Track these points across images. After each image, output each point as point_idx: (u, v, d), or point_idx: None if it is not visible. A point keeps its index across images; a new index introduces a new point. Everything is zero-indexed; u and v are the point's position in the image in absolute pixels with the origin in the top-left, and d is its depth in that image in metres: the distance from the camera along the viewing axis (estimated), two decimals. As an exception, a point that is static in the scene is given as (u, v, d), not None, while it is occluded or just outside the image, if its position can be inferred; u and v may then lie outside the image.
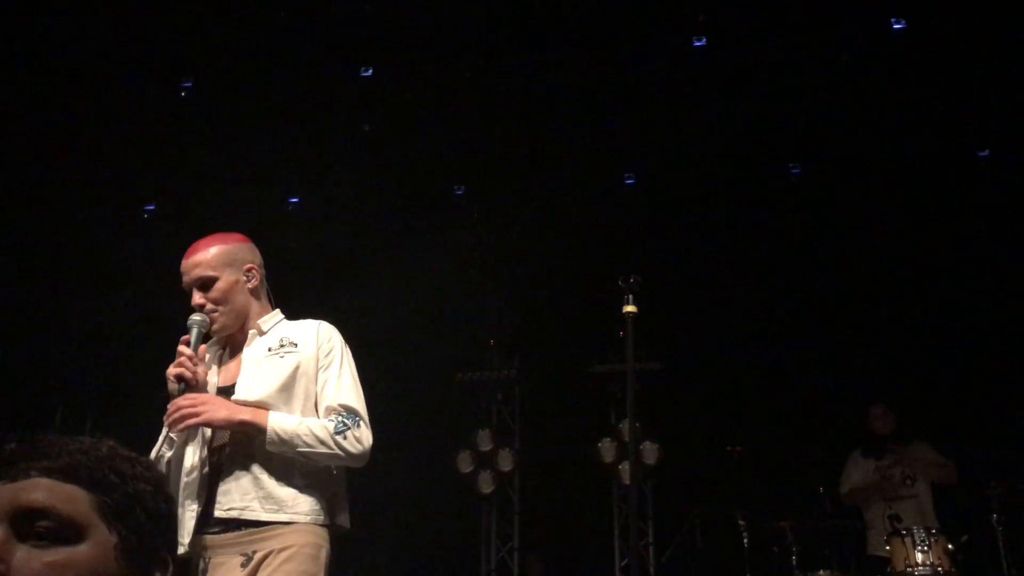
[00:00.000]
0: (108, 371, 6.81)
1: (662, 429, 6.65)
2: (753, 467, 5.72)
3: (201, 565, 2.21)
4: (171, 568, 1.08)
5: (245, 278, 2.49)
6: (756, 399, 6.45)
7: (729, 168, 6.26)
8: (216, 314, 2.43)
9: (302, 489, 2.28)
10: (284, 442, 2.25)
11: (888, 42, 5.43)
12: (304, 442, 2.25)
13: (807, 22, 5.45)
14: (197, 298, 2.43)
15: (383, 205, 6.74)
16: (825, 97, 5.76)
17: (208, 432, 2.35)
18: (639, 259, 6.20)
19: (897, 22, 5.34)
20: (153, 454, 2.34)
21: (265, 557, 2.19)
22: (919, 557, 4.43)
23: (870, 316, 6.56)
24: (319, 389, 2.39)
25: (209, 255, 2.45)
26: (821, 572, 4.90)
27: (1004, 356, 6.05)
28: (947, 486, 5.28)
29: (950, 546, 4.49)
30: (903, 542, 4.52)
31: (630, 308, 2.83)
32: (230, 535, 2.23)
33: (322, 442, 2.27)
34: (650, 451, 6.65)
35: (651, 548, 6.73)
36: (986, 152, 6.02)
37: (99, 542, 0.98)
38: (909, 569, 4.44)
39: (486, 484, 7.05)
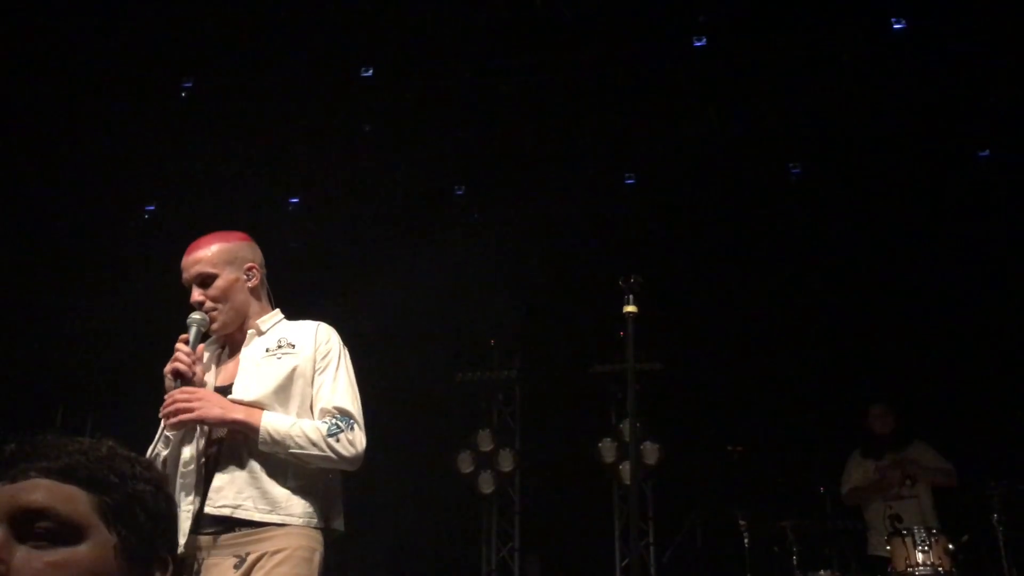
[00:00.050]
0: (108, 371, 6.81)
1: (662, 429, 6.65)
2: (753, 467, 5.72)
3: (195, 566, 2.20)
4: (171, 568, 1.08)
5: (245, 277, 2.49)
6: (756, 399, 6.45)
7: (729, 168, 6.26)
8: (216, 312, 2.42)
9: (296, 491, 2.27)
10: (276, 443, 2.24)
11: (888, 42, 5.43)
12: (296, 443, 2.24)
13: (807, 22, 5.44)
14: (196, 295, 2.42)
15: (383, 205, 6.74)
16: (825, 97, 5.76)
17: (204, 429, 2.34)
18: (639, 259, 6.20)
19: (897, 22, 5.34)
20: (149, 453, 2.34)
21: (258, 559, 2.18)
22: (920, 557, 4.43)
23: (870, 316, 6.56)
24: (315, 391, 2.37)
25: (210, 252, 2.44)
26: (822, 572, 4.90)
27: (1004, 356, 6.05)
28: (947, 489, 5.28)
29: (951, 546, 4.49)
30: (904, 542, 4.53)
31: (630, 308, 2.83)
32: (224, 536, 2.22)
33: (314, 444, 2.25)
34: (650, 451, 6.65)
35: (651, 548, 6.73)
36: (986, 152, 6.01)
37: (99, 542, 0.98)
38: (910, 569, 4.44)
39: (487, 484, 7.05)
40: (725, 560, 5.52)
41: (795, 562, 4.95)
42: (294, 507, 2.25)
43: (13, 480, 0.99)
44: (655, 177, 6.46)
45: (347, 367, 2.44)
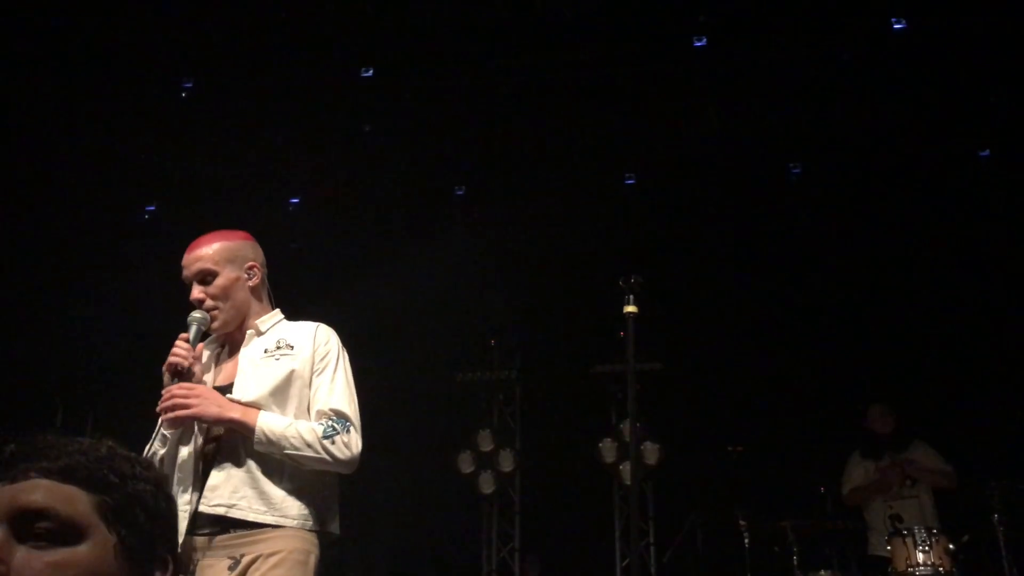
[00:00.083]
0: (108, 371, 6.80)
1: (663, 429, 6.66)
2: (754, 467, 5.72)
3: (190, 567, 2.19)
4: (171, 568, 1.08)
5: (246, 275, 2.48)
6: (756, 399, 6.45)
7: (729, 168, 6.26)
8: (216, 311, 2.42)
9: (292, 492, 2.26)
10: (272, 443, 2.23)
11: (888, 42, 5.42)
12: (291, 444, 2.23)
13: (807, 22, 5.44)
14: (196, 292, 2.42)
15: (383, 205, 6.75)
16: (825, 97, 5.76)
17: (202, 427, 2.33)
18: (639, 259, 6.20)
19: (897, 22, 5.34)
20: (146, 451, 2.34)
21: (253, 561, 2.17)
22: (920, 557, 4.43)
23: (870, 316, 6.56)
24: (312, 392, 2.36)
25: (211, 250, 2.44)
26: (822, 572, 4.90)
27: (1004, 356, 6.05)
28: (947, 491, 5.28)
29: (951, 546, 4.49)
30: (904, 542, 4.52)
31: (631, 308, 2.82)
32: (218, 537, 2.21)
33: (309, 445, 2.24)
34: (651, 451, 6.65)
35: (652, 548, 6.73)
36: (987, 152, 6.01)
37: (99, 542, 0.98)
38: (910, 569, 4.44)
39: (487, 484, 7.05)
40: (725, 560, 5.52)
41: (795, 562, 4.94)
42: (289, 508, 2.24)
43: (13, 480, 0.99)
44: (655, 177, 6.46)
45: (345, 369, 2.42)
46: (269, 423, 2.25)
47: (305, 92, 5.96)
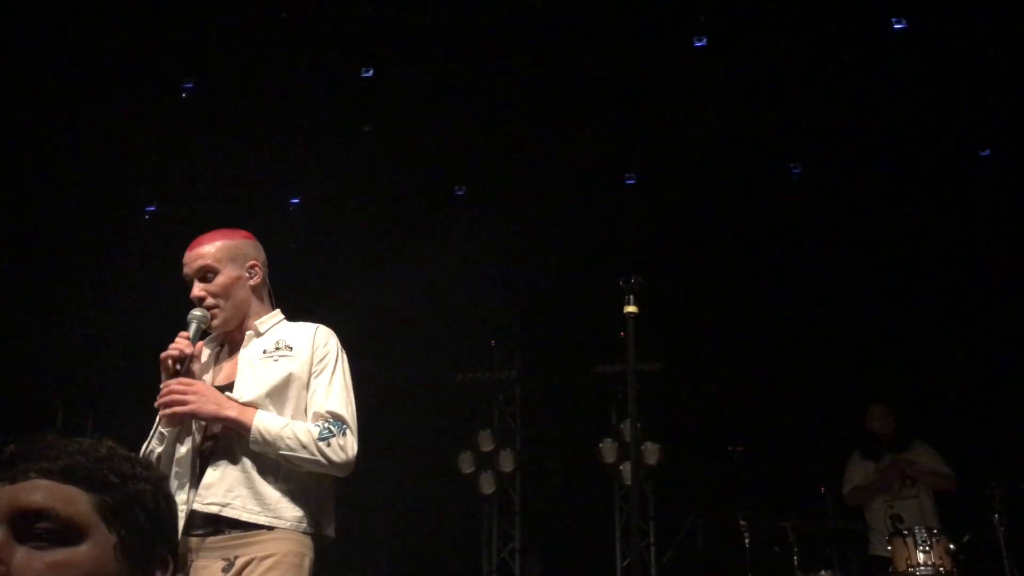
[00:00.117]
0: (108, 371, 6.80)
1: (663, 429, 6.65)
2: (754, 467, 5.72)
3: (184, 567, 2.19)
4: (171, 567, 1.08)
5: (248, 274, 2.47)
6: (756, 399, 6.44)
7: (729, 168, 6.26)
8: (216, 309, 2.41)
9: (287, 493, 2.25)
10: (267, 443, 2.22)
11: (888, 42, 5.43)
12: (287, 445, 2.22)
13: (807, 22, 5.44)
14: (196, 290, 2.41)
15: (383, 205, 6.74)
16: (825, 97, 5.76)
17: (200, 425, 2.33)
18: (639, 259, 6.20)
19: (897, 22, 5.34)
20: (144, 449, 2.32)
21: (247, 564, 2.16)
22: (921, 557, 4.43)
23: (870, 316, 6.56)
24: (309, 394, 2.35)
25: (213, 248, 2.43)
26: (823, 572, 4.89)
27: (1004, 356, 6.05)
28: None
29: (952, 546, 4.49)
30: (905, 542, 4.52)
31: (631, 308, 2.82)
32: (213, 539, 2.20)
33: (304, 446, 2.23)
34: (651, 451, 6.65)
35: (652, 548, 6.73)
36: (987, 152, 6.01)
37: (99, 542, 0.98)
38: (911, 569, 4.44)
39: (487, 485, 7.04)
40: (726, 560, 5.52)
41: (796, 562, 4.94)
42: (284, 510, 2.23)
43: (13, 481, 0.99)
44: (655, 177, 6.46)
45: (343, 371, 2.41)
46: (265, 423, 2.24)
47: (305, 92, 5.96)
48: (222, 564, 2.16)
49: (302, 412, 2.34)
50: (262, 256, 2.55)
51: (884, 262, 6.43)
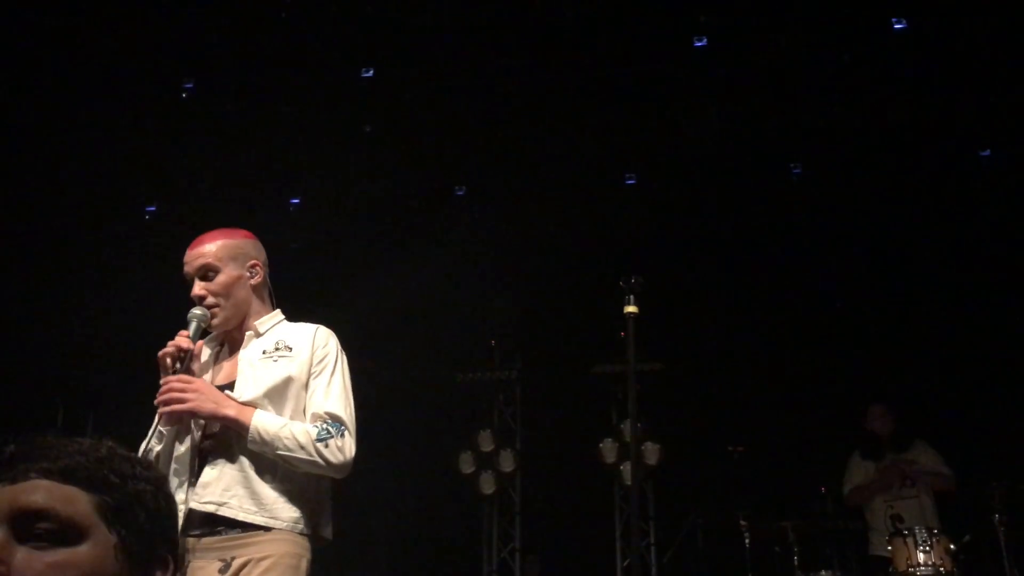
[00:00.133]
0: (108, 371, 6.80)
1: (663, 429, 6.65)
2: (754, 467, 5.72)
3: (181, 567, 2.19)
4: (172, 567, 1.08)
5: (248, 274, 2.47)
6: (756, 399, 6.45)
7: (729, 168, 6.26)
8: (216, 308, 2.40)
9: (284, 494, 2.24)
10: (265, 442, 2.22)
11: (888, 42, 5.43)
12: (284, 445, 2.21)
13: (807, 22, 5.44)
14: (197, 289, 2.41)
15: (383, 205, 6.74)
16: (825, 97, 5.76)
17: (200, 423, 2.32)
18: (639, 259, 6.20)
19: (897, 22, 5.34)
20: (142, 448, 2.31)
21: (244, 565, 2.15)
22: (921, 557, 4.43)
23: (870, 316, 6.56)
24: (308, 395, 2.35)
25: (215, 247, 2.43)
26: (823, 572, 4.89)
27: (1004, 356, 6.05)
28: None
29: (952, 546, 4.48)
30: (905, 542, 4.52)
31: (631, 308, 2.82)
32: (209, 539, 2.19)
33: (302, 447, 2.22)
34: (651, 451, 6.65)
35: (652, 548, 6.73)
36: (988, 152, 6.01)
37: (99, 542, 0.98)
38: (911, 569, 4.43)
39: (487, 485, 7.05)
40: (726, 560, 5.52)
41: (796, 562, 4.94)
42: (280, 511, 2.22)
43: (13, 481, 0.99)
44: (655, 177, 6.46)
45: (343, 373, 2.40)
46: (264, 422, 2.23)
47: (305, 92, 5.97)
48: (219, 565, 2.15)
49: (301, 413, 2.33)
50: (263, 256, 2.54)
51: (884, 262, 6.43)
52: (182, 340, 2.33)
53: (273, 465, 2.25)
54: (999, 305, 6.13)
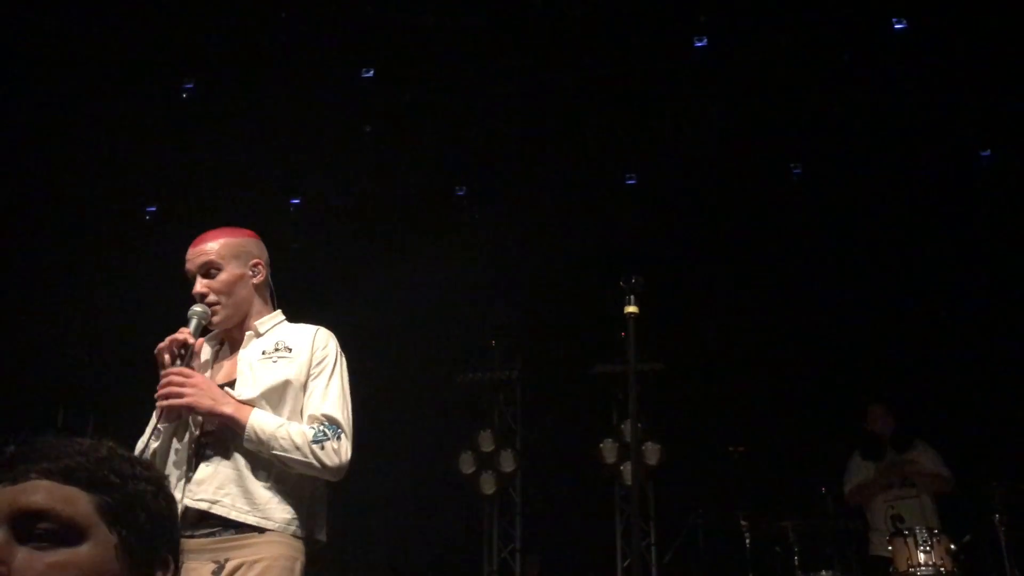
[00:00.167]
0: (108, 371, 6.80)
1: (664, 429, 6.65)
2: (755, 467, 5.71)
3: None
4: (172, 567, 1.08)
5: (250, 273, 2.47)
6: (757, 399, 6.45)
7: (729, 168, 6.26)
8: (218, 306, 2.40)
9: (279, 494, 2.23)
10: (261, 442, 2.21)
11: (888, 42, 5.43)
12: (280, 445, 2.20)
13: (807, 22, 5.44)
14: (199, 286, 2.40)
15: (383, 205, 6.74)
16: (825, 97, 5.76)
17: (198, 420, 2.31)
18: (639, 259, 6.20)
19: (897, 22, 5.34)
20: (139, 446, 2.31)
21: (238, 568, 2.14)
22: (921, 557, 4.43)
23: (870, 316, 6.55)
24: (306, 397, 2.34)
25: (217, 245, 2.42)
26: (823, 572, 4.90)
27: (1004, 356, 6.05)
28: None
29: (952, 546, 4.49)
30: (905, 542, 4.53)
31: (631, 309, 2.82)
32: (203, 540, 2.18)
33: (298, 448, 2.21)
34: (652, 451, 6.65)
35: (653, 549, 6.73)
36: (987, 152, 6.01)
37: (100, 543, 0.99)
38: (911, 569, 4.44)
39: (488, 485, 7.05)
40: (726, 560, 5.52)
41: (796, 562, 4.95)
42: (274, 511, 2.21)
43: (14, 481, 0.99)
44: (655, 177, 6.46)
45: (341, 375, 2.39)
46: (261, 422, 2.23)
47: (305, 92, 5.97)
48: (212, 567, 2.14)
49: (298, 414, 2.32)
50: (265, 255, 2.54)
51: (884, 262, 6.43)
52: (185, 334, 2.32)
53: (268, 465, 2.24)
54: (999, 305, 6.13)
